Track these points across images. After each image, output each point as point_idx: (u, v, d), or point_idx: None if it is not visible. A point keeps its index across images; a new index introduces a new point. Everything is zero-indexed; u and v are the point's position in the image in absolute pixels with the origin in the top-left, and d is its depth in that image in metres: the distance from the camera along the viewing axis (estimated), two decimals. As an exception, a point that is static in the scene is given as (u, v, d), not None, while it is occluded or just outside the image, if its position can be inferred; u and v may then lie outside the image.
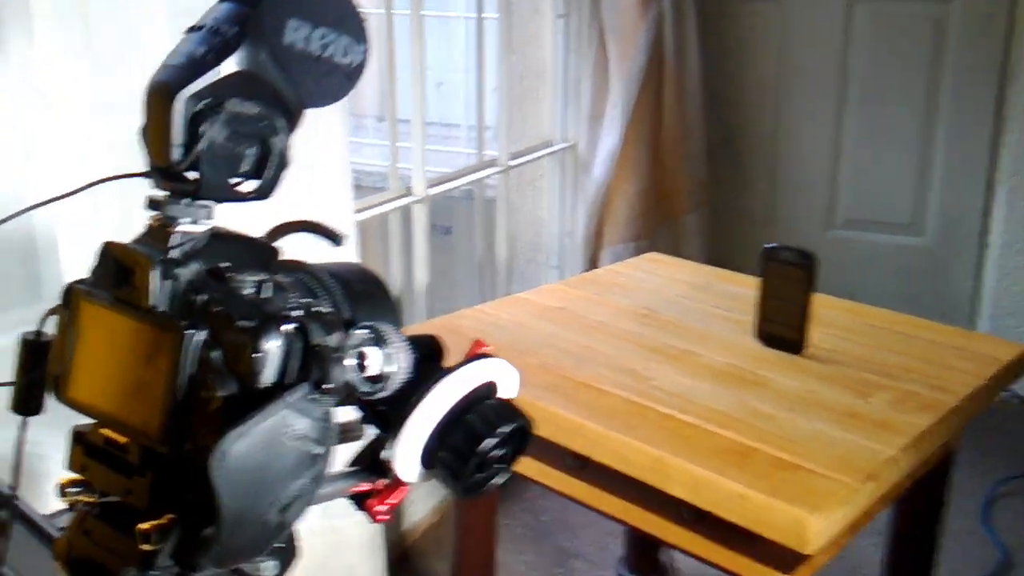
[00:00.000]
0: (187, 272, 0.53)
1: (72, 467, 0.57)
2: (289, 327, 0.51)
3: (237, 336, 0.50)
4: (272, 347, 0.50)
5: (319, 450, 0.51)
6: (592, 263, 2.61)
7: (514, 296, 1.64)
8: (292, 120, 0.57)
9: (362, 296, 0.64)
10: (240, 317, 0.51)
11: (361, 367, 0.60)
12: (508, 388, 0.65)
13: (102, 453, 0.56)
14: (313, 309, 0.54)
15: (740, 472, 1.05)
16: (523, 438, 0.62)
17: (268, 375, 0.50)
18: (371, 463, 0.66)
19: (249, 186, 0.57)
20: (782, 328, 1.37)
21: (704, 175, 2.83)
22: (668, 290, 1.63)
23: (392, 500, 0.68)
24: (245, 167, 0.56)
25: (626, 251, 2.55)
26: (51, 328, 0.60)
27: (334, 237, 0.63)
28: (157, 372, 0.52)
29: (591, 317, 1.51)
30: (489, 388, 0.63)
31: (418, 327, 1.54)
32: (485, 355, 0.63)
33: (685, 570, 1.91)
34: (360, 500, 0.68)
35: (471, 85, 2.34)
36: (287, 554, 0.60)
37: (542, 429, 1.21)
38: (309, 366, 0.51)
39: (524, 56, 2.64)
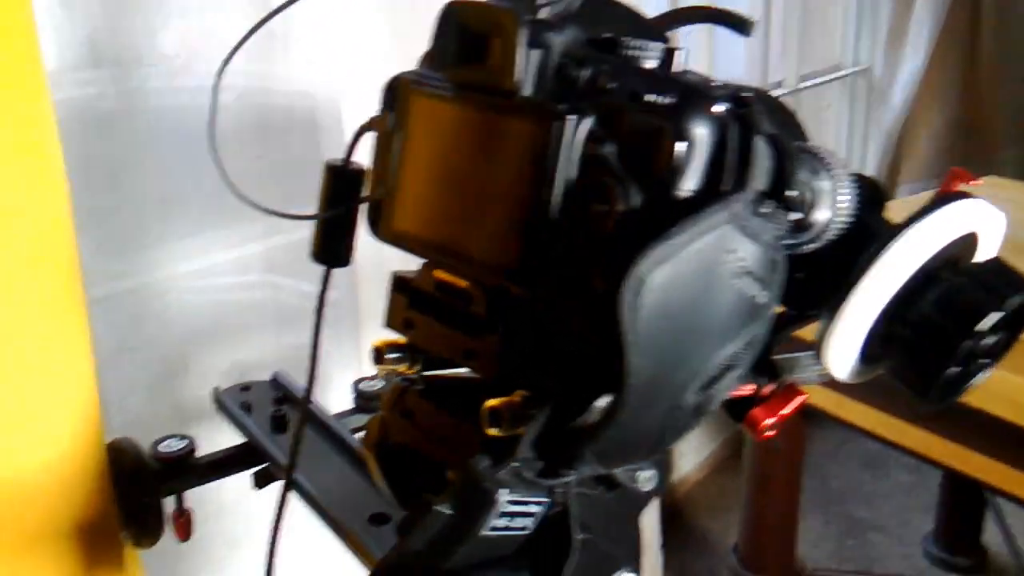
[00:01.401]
0: (563, 39, 0.37)
1: (392, 324, 0.43)
2: (722, 107, 0.33)
3: (647, 120, 0.33)
4: (699, 138, 0.32)
5: (764, 298, 0.34)
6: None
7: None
8: None
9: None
10: (651, 89, 0.34)
11: (795, 205, 0.42)
12: (991, 243, 0.44)
13: (435, 304, 0.41)
14: (743, 94, 0.36)
15: None
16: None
17: (693, 177, 0.33)
18: (758, 362, 0.48)
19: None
20: None
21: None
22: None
23: (785, 411, 0.50)
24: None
25: (924, 189, 2.22)
26: (363, 154, 0.46)
27: (743, 25, 0.45)
28: (520, 179, 0.36)
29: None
30: (967, 244, 0.43)
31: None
32: (962, 194, 0.42)
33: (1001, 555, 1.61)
34: (739, 409, 0.50)
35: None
36: (664, 468, 0.43)
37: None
38: (754, 165, 0.33)
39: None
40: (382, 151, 0.43)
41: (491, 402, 0.37)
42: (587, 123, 0.34)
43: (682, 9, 0.45)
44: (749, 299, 0.33)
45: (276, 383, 0.75)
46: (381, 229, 0.43)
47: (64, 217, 0.57)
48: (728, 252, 0.32)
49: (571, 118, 0.34)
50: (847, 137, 2.41)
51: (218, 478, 0.69)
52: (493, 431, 0.36)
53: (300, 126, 0.93)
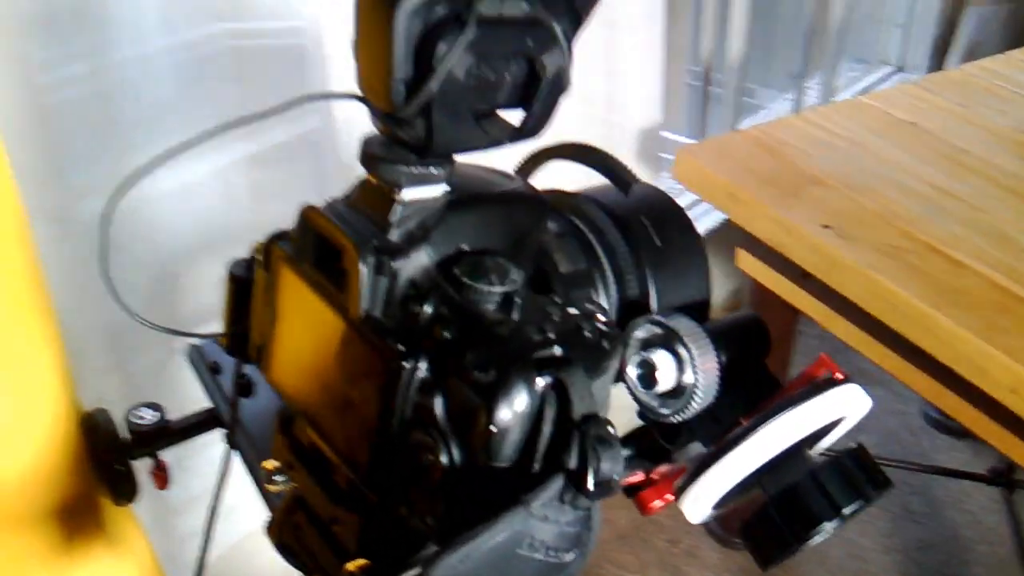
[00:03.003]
0: (410, 267, 0.37)
1: (277, 458, 0.46)
2: (542, 383, 0.34)
3: (467, 395, 0.34)
4: (514, 420, 0.33)
5: (569, 557, 0.36)
6: (949, 27, 2.14)
7: (852, 101, 1.33)
8: (579, 18, 0.36)
9: (655, 253, 0.45)
10: (476, 358, 0.34)
11: (649, 380, 0.43)
12: (853, 419, 0.45)
13: (309, 459, 0.44)
14: (586, 333, 0.36)
15: None
16: (867, 500, 0.43)
17: (507, 454, 0.34)
18: (647, 447, 0.51)
19: (501, 121, 0.38)
20: None
21: None
22: (1064, 106, 1.25)
23: (671, 496, 0.53)
24: (498, 97, 0.37)
25: (995, 16, 2.05)
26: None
27: (624, 182, 0.43)
28: (366, 401, 0.37)
29: (952, 142, 1.19)
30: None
31: (726, 135, 1.30)
32: (834, 381, 0.43)
33: None
34: (631, 491, 0.53)
35: None
36: None
37: (873, 306, 0.99)
38: (565, 445, 0.34)
39: None
40: (261, 301, 0.44)
41: (352, 564, 0.41)
42: (422, 370, 0.35)
43: (549, 149, 0.44)
44: (552, 563, 0.35)
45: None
46: (263, 368, 0.45)
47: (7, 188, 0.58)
48: (527, 537, 0.34)
49: (407, 364, 0.35)
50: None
51: (189, 439, 0.75)
52: (352, 584, 0.41)
53: (281, 54, 0.91)
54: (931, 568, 1.50)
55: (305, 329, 0.41)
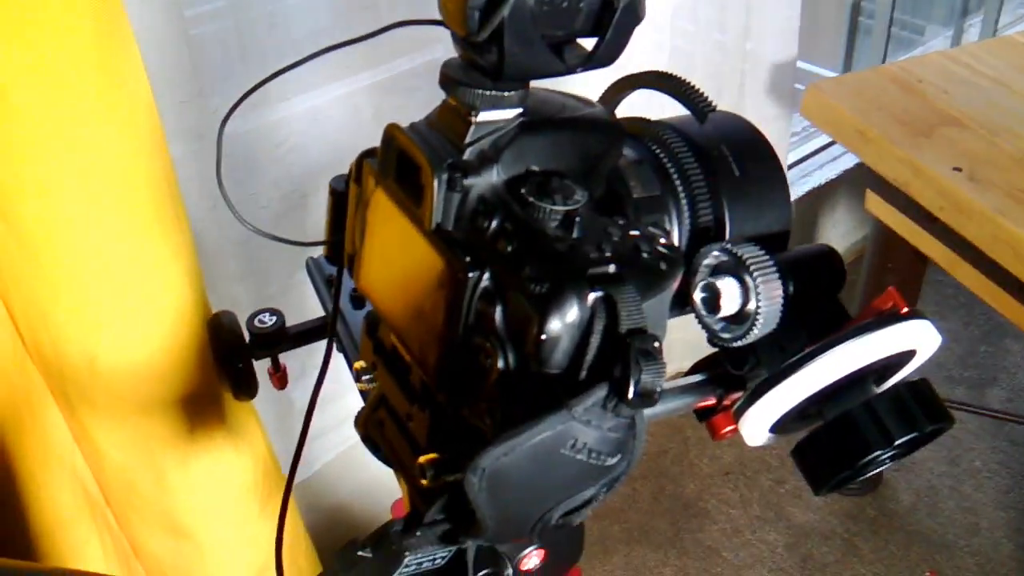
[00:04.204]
0: (480, 184, 0.39)
1: (363, 357, 0.50)
2: (593, 297, 0.36)
3: (522, 303, 0.36)
4: (563, 329, 0.36)
5: (613, 461, 0.38)
6: None
7: (1004, 38, 1.25)
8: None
9: (732, 182, 0.46)
10: (532, 271, 0.37)
11: (712, 304, 0.44)
12: (924, 354, 0.45)
13: (389, 359, 0.47)
14: (644, 254, 0.38)
15: None
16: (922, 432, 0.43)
17: (556, 361, 0.36)
18: (719, 373, 0.52)
19: (578, 48, 0.39)
20: None
21: None
22: None
23: (727, 429, 0.54)
24: (573, 24, 0.38)
25: None
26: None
27: (702, 110, 0.44)
28: (436, 307, 0.40)
29: (1111, 84, 1.11)
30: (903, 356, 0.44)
31: (862, 72, 1.25)
32: (901, 315, 0.43)
33: None
34: (703, 415, 0.55)
35: None
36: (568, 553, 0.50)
37: (998, 252, 0.95)
38: (611, 358, 0.36)
39: None
40: (353, 212, 0.47)
41: (423, 458, 0.44)
42: (485, 281, 0.38)
43: (632, 77, 0.45)
44: (596, 465, 0.38)
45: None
46: (354, 275, 0.48)
47: (150, 109, 0.64)
48: (570, 439, 0.36)
49: (472, 275, 0.38)
50: None
51: (305, 344, 0.80)
52: (423, 481, 0.44)
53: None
54: (1052, 531, 1.44)
55: (387, 239, 0.44)
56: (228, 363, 0.77)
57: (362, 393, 0.75)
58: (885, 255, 1.24)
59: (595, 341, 0.36)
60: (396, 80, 0.99)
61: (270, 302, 0.79)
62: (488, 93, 0.39)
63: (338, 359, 0.83)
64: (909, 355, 0.44)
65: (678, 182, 0.45)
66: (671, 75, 0.44)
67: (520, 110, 0.40)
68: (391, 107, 0.98)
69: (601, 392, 0.35)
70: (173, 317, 0.71)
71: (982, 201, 0.95)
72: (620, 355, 0.35)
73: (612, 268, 0.37)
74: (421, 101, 0.96)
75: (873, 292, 1.10)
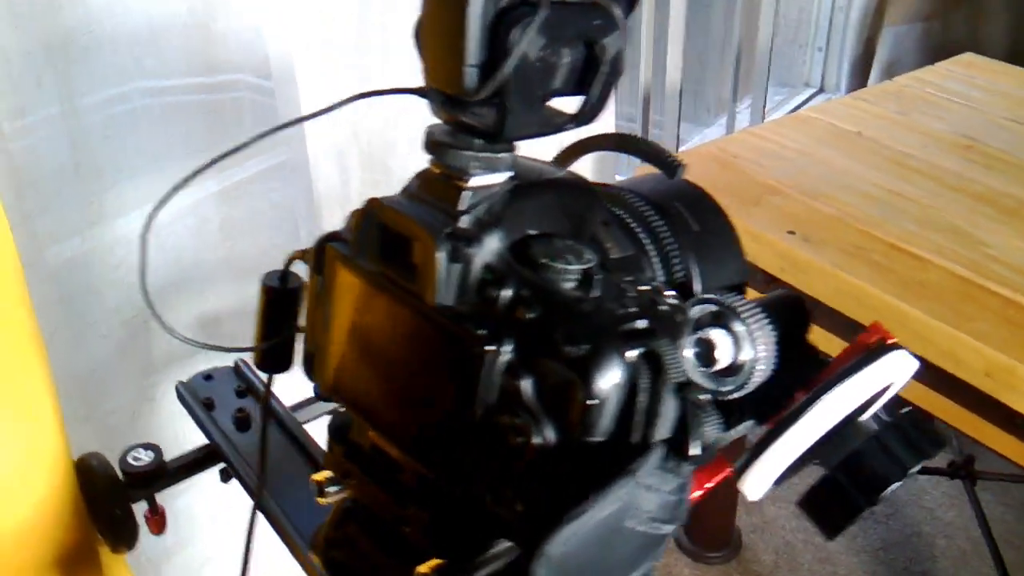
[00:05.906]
0: (484, 252, 0.37)
1: (330, 468, 0.45)
2: (634, 354, 0.34)
3: (560, 372, 0.34)
4: (610, 391, 0.34)
5: (668, 529, 0.36)
6: (867, 47, 2.23)
7: (797, 115, 1.38)
8: (632, 3, 0.37)
9: (693, 237, 0.46)
10: (565, 334, 0.34)
11: (706, 358, 0.43)
12: (901, 381, 0.46)
13: (369, 462, 0.43)
14: (661, 307, 0.37)
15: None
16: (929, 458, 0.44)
17: (604, 426, 0.34)
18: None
19: (558, 108, 0.38)
20: None
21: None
22: (993, 108, 1.32)
23: (709, 484, 0.53)
24: (558, 82, 0.37)
25: (910, 33, 2.15)
26: (301, 271, 0.46)
27: (671, 165, 0.44)
28: (443, 390, 0.37)
29: (895, 147, 1.24)
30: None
31: (686, 153, 1.33)
32: (885, 346, 0.44)
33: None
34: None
35: None
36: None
37: (843, 304, 1.01)
38: (660, 412, 0.34)
39: None
40: (313, 306, 0.43)
41: (424, 566, 0.40)
42: (507, 353, 0.35)
43: (590, 140, 0.44)
44: (652, 535, 0.35)
45: (239, 371, 0.77)
46: (316, 376, 0.44)
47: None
48: (632, 509, 0.34)
49: (491, 349, 0.35)
50: (832, -25, 2.31)
51: (186, 478, 0.72)
52: (423, 588, 0.40)
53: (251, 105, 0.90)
54: (898, 566, 1.53)
55: (366, 327, 0.40)
56: (105, 511, 0.68)
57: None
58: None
59: (643, 399, 0.34)
60: (246, 184, 0.93)
61: (120, 442, 0.71)
62: (481, 155, 0.37)
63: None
64: (888, 386, 0.45)
65: (647, 241, 0.45)
66: (634, 136, 0.44)
67: (512, 173, 0.38)
68: (243, 215, 0.93)
69: (659, 452, 0.33)
70: (44, 469, 0.62)
71: (819, 259, 1.02)
72: (672, 411, 0.34)
73: (642, 323, 0.35)
74: (278, 203, 0.91)
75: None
